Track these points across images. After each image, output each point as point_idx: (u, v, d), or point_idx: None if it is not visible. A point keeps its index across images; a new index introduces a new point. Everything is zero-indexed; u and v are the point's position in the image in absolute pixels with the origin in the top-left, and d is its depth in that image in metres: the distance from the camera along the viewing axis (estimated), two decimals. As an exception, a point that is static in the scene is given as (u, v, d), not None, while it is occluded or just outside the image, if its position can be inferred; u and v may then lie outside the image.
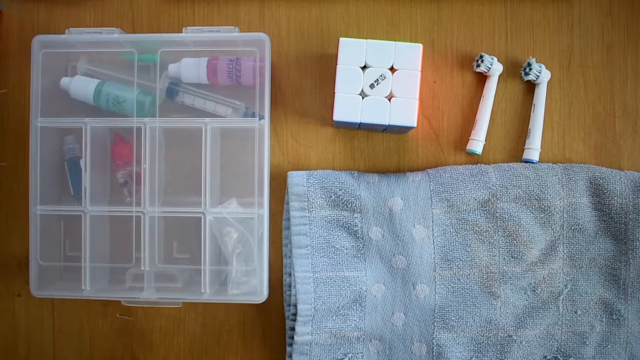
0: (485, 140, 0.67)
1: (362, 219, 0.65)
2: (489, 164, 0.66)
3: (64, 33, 0.64)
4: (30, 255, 0.64)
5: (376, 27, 0.68)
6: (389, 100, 0.62)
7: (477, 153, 0.66)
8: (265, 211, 0.63)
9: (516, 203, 0.65)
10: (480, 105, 0.67)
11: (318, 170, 0.66)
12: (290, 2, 0.69)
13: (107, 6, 0.70)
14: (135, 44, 0.64)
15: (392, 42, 0.62)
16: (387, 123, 0.62)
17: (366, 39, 0.62)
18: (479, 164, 0.66)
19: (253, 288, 0.65)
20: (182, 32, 0.63)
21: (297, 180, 0.66)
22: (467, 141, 0.67)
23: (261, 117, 0.63)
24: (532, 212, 0.65)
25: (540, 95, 0.66)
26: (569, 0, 0.68)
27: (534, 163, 0.66)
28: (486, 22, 0.68)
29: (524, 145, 0.67)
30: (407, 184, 0.65)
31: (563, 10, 0.68)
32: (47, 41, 0.64)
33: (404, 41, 0.62)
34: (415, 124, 0.62)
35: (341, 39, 0.62)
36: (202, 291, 0.63)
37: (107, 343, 0.69)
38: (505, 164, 0.66)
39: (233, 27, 0.63)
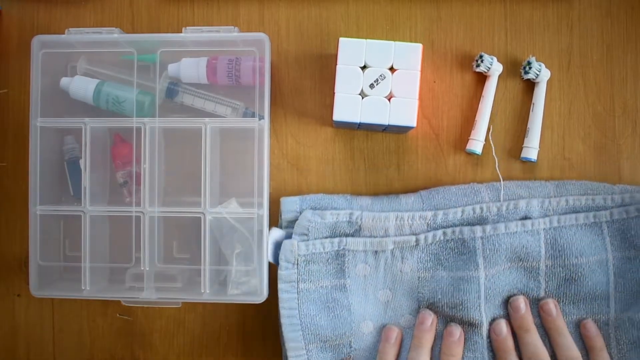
0: (485, 140, 0.67)
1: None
2: (481, 183, 0.66)
3: (64, 33, 0.64)
4: (30, 255, 0.64)
5: (376, 27, 0.68)
6: (389, 100, 0.62)
7: (477, 153, 0.66)
8: (265, 211, 0.63)
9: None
10: (479, 105, 0.67)
11: (311, 195, 0.66)
12: (290, 2, 0.69)
13: (107, 6, 0.70)
14: (135, 44, 0.64)
15: (392, 42, 0.62)
16: (386, 123, 0.62)
17: (366, 39, 0.62)
18: (471, 183, 0.66)
19: (253, 288, 0.65)
20: (181, 32, 0.63)
21: (290, 206, 0.66)
22: (467, 141, 0.67)
23: (261, 117, 0.63)
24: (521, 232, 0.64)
25: (540, 94, 0.66)
26: (569, 0, 0.68)
27: (528, 181, 0.66)
28: (486, 22, 0.68)
29: (523, 144, 0.67)
30: (399, 207, 0.65)
31: (563, 10, 0.68)
32: (47, 41, 0.64)
33: (404, 41, 0.62)
34: (415, 124, 0.62)
35: (341, 38, 0.62)
36: (202, 291, 0.63)
37: (107, 343, 0.69)
38: (497, 183, 0.66)
39: (232, 27, 0.63)
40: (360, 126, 0.65)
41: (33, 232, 0.64)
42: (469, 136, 0.67)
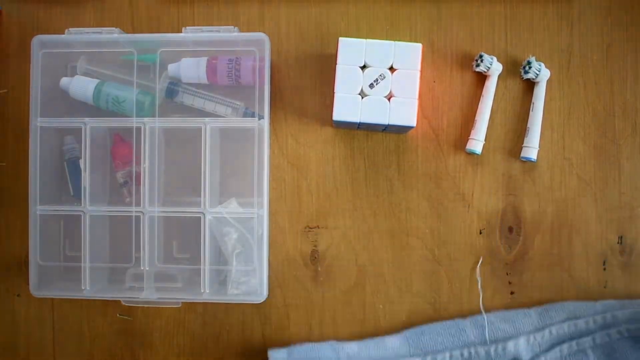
0: (485, 140, 0.67)
1: None
2: (465, 318, 0.66)
3: (64, 33, 0.64)
4: (30, 255, 0.64)
5: (376, 26, 0.68)
6: (389, 100, 0.62)
7: (477, 152, 0.66)
8: (265, 211, 0.63)
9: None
10: (479, 104, 0.67)
11: (297, 346, 0.65)
12: (290, 2, 0.69)
13: (107, 6, 0.70)
14: (135, 44, 0.64)
15: (392, 42, 0.62)
16: (386, 123, 0.62)
17: (366, 38, 0.62)
18: (456, 319, 0.66)
19: (253, 288, 0.65)
20: (181, 32, 0.63)
21: (277, 359, 0.65)
22: (467, 141, 0.67)
23: (261, 117, 0.63)
24: None
25: (539, 94, 0.66)
26: (569, 0, 0.68)
27: (511, 311, 0.66)
28: (486, 22, 0.68)
29: (522, 144, 0.67)
30: (385, 352, 0.65)
31: (563, 10, 0.68)
32: (47, 41, 0.64)
33: (404, 41, 0.62)
34: (414, 124, 0.62)
35: (340, 38, 0.62)
36: (202, 291, 0.63)
37: (107, 343, 0.69)
38: (480, 317, 0.66)
39: (232, 27, 0.63)
40: (360, 126, 0.65)
41: (33, 232, 0.64)
42: (469, 136, 0.67)
